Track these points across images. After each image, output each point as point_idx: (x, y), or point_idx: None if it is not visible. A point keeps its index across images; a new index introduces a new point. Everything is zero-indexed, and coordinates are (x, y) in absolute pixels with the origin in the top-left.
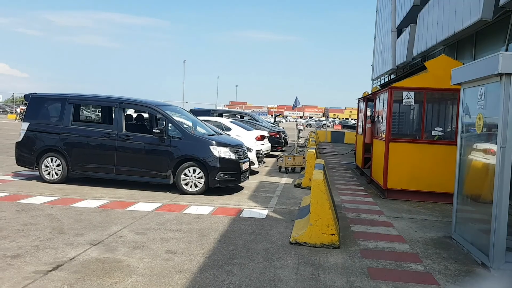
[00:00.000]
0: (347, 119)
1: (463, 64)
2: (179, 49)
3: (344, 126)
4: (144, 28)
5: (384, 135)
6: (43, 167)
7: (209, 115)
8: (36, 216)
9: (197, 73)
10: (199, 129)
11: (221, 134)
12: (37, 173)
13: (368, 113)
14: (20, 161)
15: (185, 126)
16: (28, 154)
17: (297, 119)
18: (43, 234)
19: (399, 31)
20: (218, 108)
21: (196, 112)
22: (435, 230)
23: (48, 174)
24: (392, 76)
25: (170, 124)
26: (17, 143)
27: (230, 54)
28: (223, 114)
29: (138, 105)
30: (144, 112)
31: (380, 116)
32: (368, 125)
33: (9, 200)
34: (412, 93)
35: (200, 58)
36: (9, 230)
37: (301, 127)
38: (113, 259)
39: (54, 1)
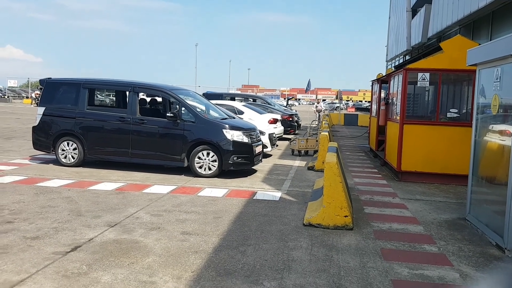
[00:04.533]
0: (361, 101)
1: (479, 44)
2: (191, 32)
3: (357, 109)
4: (156, 11)
5: (398, 117)
6: (59, 150)
7: (221, 99)
8: (54, 199)
9: (209, 56)
10: (212, 113)
11: (234, 118)
12: (54, 156)
13: (382, 95)
14: (37, 145)
15: (198, 110)
16: (45, 138)
17: (315, 102)
18: (61, 216)
19: (414, 11)
20: (230, 91)
21: (209, 96)
22: (449, 212)
23: (65, 157)
24: (407, 57)
25: (183, 108)
26: (33, 127)
27: (242, 37)
28: (236, 98)
29: (152, 89)
30: (158, 96)
31: (394, 98)
32: (382, 107)
33: (27, 184)
34: (427, 75)
35: (212, 42)
36: (28, 213)
37: (321, 108)
38: (130, 240)
39: None
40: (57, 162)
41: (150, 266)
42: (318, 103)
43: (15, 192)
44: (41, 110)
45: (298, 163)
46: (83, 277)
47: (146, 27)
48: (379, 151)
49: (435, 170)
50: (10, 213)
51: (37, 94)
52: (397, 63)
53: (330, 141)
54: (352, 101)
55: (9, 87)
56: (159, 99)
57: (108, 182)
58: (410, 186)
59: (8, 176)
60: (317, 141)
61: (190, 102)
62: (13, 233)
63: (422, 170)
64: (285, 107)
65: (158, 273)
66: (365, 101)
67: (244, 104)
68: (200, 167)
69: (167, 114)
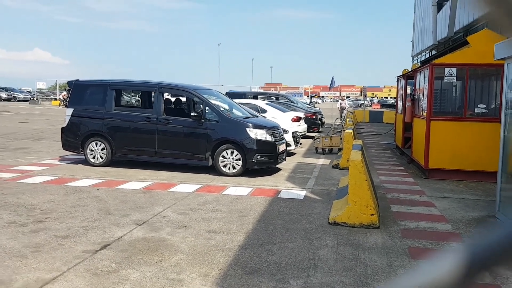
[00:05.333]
0: (386, 97)
1: (507, 38)
2: (214, 32)
3: (383, 105)
4: (181, 12)
5: (425, 114)
6: (88, 151)
7: (244, 98)
8: (84, 198)
9: (232, 55)
10: (235, 111)
11: (257, 117)
12: (82, 157)
13: (408, 91)
14: (66, 145)
15: (221, 109)
16: (74, 138)
17: (339, 99)
18: (91, 215)
19: (439, 5)
20: (253, 90)
21: (232, 94)
22: (478, 210)
23: (93, 157)
24: (434, 52)
25: (207, 108)
26: (62, 128)
27: (264, 35)
28: (259, 96)
29: (176, 90)
30: (182, 96)
31: (420, 94)
32: (408, 103)
33: (57, 184)
34: (454, 70)
35: (235, 41)
36: (59, 212)
37: (346, 106)
38: (158, 238)
39: None
40: (85, 162)
41: (178, 264)
42: (342, 100)
43: (45, 192)
44: (69, 111)
45: (322, 161)
46: (113, 275)
47: (171, 27)
48: (405, 148)
49: (463, 167)
50: (42, 212)
51: (64, 95)
52: (423, 58)
53: (355, 139)
54: (377, 97)
55: (38, 89)
56: (184, 99)
57: (136, 181)
58: (438, 184)
59: (39, 176)
60: (341, 138)
61: (213, 101)
62: (44, 232)
63: (450, 167)
64: (308, 104)
65: (186, 270)
66: (391, 98)
67: (267, 102)
68: (225, 166)
69: (192, 114)
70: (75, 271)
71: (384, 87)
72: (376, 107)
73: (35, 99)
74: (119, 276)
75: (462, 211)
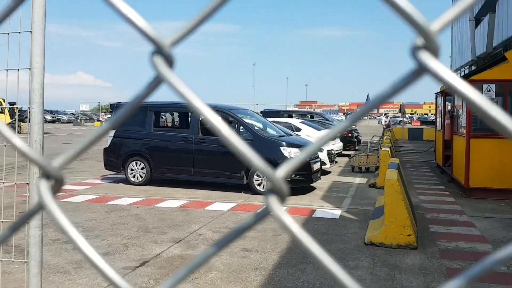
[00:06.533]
0: (426, 114)
1: None
2: (249, 52)
3: (423, 122)
4: (217, 34)
5: (464, 131)
6: (128, 170)
7: (279, 116)
8: (124, 216)
9: (266, 74)
10: (269, 130)
11: (291, 135)
12: (123, 176)
13: (448, 108)
14: (107, 165)
15: (255, 128)
16: (115, 158)
17: (382, 117)
18: (130, 233)
19: (477, 20)
20: (287, 108)
21: (266, 113)
22: None
23: (133, 177)
24: (473, 68)
25: (241, 127)
26: (104, 149)
27: (299, 53)
28: (293, 115)
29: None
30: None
31: (459, 111)
32: (447, 120)
33: (99, 202)
34: (492, 86)
35: (270, 60)
36: (100, 230)
37: (390, 123)
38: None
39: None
40: (125, 181)
41: (213, 282)
42: (386, 117)
43: (88, 211)
44: (111, 132)
45: (358, 180)
46: None
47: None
48: (445, 166)
49: (505, 186)
50: (84, 230)
51: (103, 116)
52: (462, 74)
53: (392, 157)
54: (417, 114)
55: (81, 111)
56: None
57: (173, 199)
58: (479, 203)
59: (82, 195)
60: (378, 157)
61: (247, 120)
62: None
63: (492, 186)
64: None
65: None
66: (431, 114)
67: (301, 120)
68: (259, 185)
69: None
70: None
71: (424, 103)
72: (416, 124)
73: (78, 120)
74: None
75: (503, 231)
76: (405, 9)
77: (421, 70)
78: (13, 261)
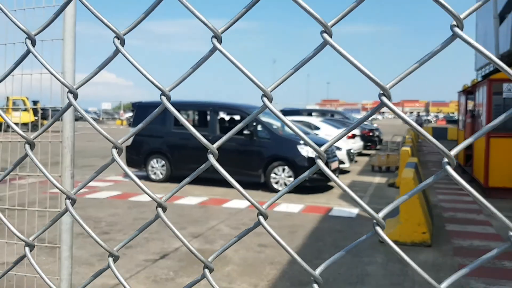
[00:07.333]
0: (453, 113)
1: None
2: (269, 49)
3: (448, 121)
4: (237, 31)
5: None
6: (149, 167)
7: (299, 115)
8: (145, 212)
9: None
10: (287, 129)
11: (309, 134)
12: (144, 173)
13: (470, 107)
14: (129, 162)
15: (273, 127)
16: (137, 156)
17: (414, 115)
18: (151, 228)
19: (501, 17)
20: (308, 107)
21: (286, 112)
22: None
23: (154, 174)
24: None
25: (259, 126)
26: (126, 147)
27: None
28: (313, 113)
29: (230, 109)
30: (236, 115)
31: (480, 110)
32: (468, 120)
33: (121, 198)
34: None
35: (290, 57)
36: (123, 224)
37: (422, 121)
38: (212, 250)
39: (153, 12)
40: (146, 178)
41: (229, 274)
42: (418, 115)
43: (111, 206)
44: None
45: (378, 179)
46: (170, 282)
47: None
48: (466, 166)
49: None
50: (107, 224)
51: (122, 114)
52: (487, 71)
53: (412, 156)
54: (443, 113)
55: (103, 109)
56: (237, 117)
57: (192, 196)
58: (498, 203)
59: (105, 191)
60: (398, 156)
61: (265, 119)
62: (109, 243)
63: (511, 186)
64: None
65: (236, 280)
66: (458, 113)
67: (321, 119)
68: (276, 183)
69: (244, 132)
70: (137, 278)
71: (450, 102)
72: (442, 123)
73: (100, 119)
74: (176, 283)
75: None
76: (444, 3)
77: (454, 36)
78: (46, 246)
